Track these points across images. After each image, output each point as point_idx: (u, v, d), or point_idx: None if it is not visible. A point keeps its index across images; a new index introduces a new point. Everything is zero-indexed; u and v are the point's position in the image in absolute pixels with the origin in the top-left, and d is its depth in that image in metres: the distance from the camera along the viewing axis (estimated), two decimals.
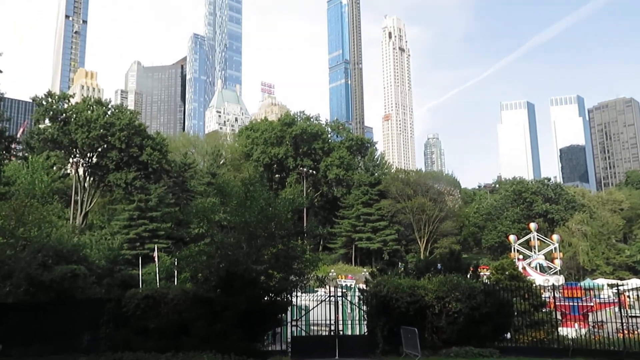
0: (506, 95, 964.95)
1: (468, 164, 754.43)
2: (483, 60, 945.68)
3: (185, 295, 20.56)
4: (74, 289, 23.14)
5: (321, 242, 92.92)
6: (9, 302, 22.44)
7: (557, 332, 21.46)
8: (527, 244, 66.99)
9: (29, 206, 26.95)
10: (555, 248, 64.39)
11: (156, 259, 47.42)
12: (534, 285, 24.18)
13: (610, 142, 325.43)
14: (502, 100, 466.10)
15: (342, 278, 61.11)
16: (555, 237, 66.40)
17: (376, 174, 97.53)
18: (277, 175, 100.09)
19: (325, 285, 24.41)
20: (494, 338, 20.89)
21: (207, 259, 22.34)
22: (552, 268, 62.58)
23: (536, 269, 59.53)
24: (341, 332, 21.87)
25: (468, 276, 25.15)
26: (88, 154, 76.30)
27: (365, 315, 22.40)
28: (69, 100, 78.43)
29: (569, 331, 23.35)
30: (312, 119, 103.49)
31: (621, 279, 64.72)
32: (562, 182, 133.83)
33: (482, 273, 35.76)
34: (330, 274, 60.10)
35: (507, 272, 23.99)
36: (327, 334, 22.14)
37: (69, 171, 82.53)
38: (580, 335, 21.79)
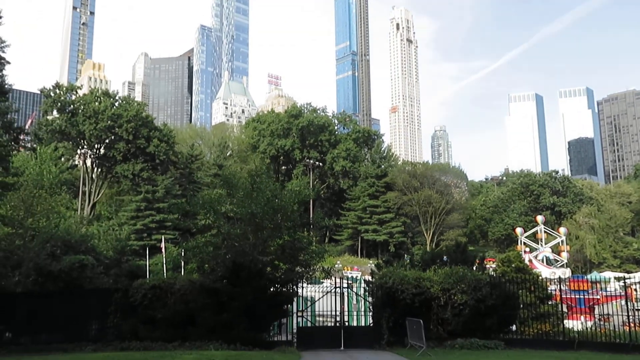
0: (514, 87, 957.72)
1: (475, 156, 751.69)
2: (491, 52, 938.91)
3: (192, 285, 20.72)
4: (82, 279, 23.40)
5: (327, 234, 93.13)
6: (18, 291, 22.72)
7: (563, 325, 21.46)
8: (534, 237, 66.84)
9: (37, 197, 27.18)
10: (562, 241, 64.22)
11: (163, 250, 47.62)
12: (540, 277, 24.10)
13: (620, 134, 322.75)
14: (511, 92, 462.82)
15: (347, 270, 61.24)
16: (562, 230, 66.22)
17: (383, 166, 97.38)
18: (283, 167, 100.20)
19: (331, 276, 24.52)
20: (499, 330, 20.93)
21: (213, 250, 22.50)
22: (558, 261, 62.44)
23: (543, 261, 59.45)
24: (347, 323, 21.98)
25: (474, 268, 25.19)
26: (96, 146, 76.62)
27: (370, 307, 22.50)
28: (76, 92, 78.66)
29: (574, 324, 23.36)
30: (318, 111, 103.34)
31: (628, 272, 64.50)
32: (570, 175, 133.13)
33: (488, 265, 35.77)
34: (336, 265, 60.23)
35: (513, 265, 23.92)
36: (332, 325, 22.26)
37: (76, 162, 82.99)
38: (586, 328, 21.76)
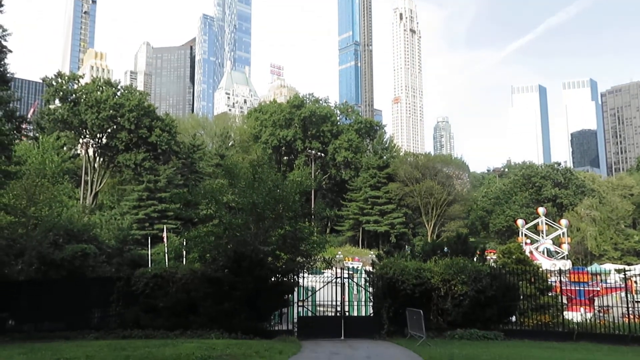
0: (518, 78, 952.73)
1: (478, 147, 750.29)
2: (495, 43, 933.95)
3: (193, 275, 20.84)
4: (84, 268, 23.55)
5: (329, 225, 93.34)
6: (21, 279, 22.87)
7: (563, 316, 21.56)
8: (535, 229, 66.85)
9: (39, 186, 27.24)
10: (563, 233, 64.21)
11: (165, 239, 47.83)
12: (541, 269, 24.17)
13: (623, 126, 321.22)
14: (514, 83, 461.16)
15: (349, 260, 61.43)
16: (563, 221, 66.17)
17: (385, 157, 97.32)
18: (285, 158, 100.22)
19: (332, 267, 24.60)
20: (499, 321, 21.04)
21: (215, 240, 22.60)
22: (559, 253, 62.49)
23: (543, 253, 59.50)
24: (347, 313, 22.08)
25: (475, 260, 25.21)
26: (98, 135, 76.69)
27: (371, 297, 22.61)
28: (78, 81, 78.61)
29: (574, 315, 23.45)
30: (321, 101, 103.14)
31: (629, 264, 64.50)
32: (572, 167, 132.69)
33: (488, 257, 35.83)
34: (337, 256, 60.36)
35: (514, 256, 23.97)
36: (333, 314, 22.39)
37: (79, 152, 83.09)
38: (586, 320, 21.86)
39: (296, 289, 21.74)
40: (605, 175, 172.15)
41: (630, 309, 20.83)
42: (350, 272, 25.20)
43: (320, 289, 22.69)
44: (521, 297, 21.68)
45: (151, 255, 43.76)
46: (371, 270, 23.38)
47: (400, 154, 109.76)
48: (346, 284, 22.35)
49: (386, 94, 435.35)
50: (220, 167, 61.72)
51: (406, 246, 67.70)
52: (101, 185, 78.96)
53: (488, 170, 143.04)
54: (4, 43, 25.21)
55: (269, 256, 21.76)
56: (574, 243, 74.79)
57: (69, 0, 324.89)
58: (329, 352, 16.71)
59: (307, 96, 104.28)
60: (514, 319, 21.94)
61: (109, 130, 75.70)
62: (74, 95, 75.17)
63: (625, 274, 26.59)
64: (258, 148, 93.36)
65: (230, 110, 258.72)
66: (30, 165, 56.77)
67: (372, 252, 71.91)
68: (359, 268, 40.88)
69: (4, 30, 24.85)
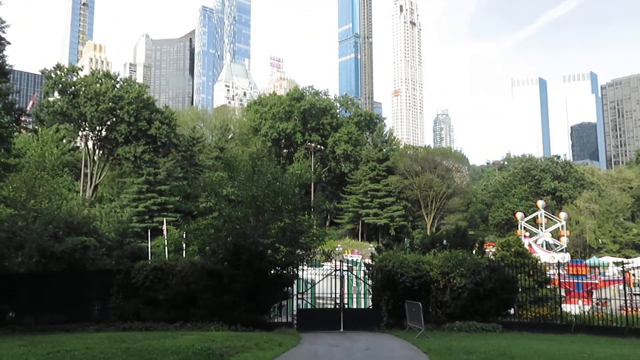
0: (518, 70, 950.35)
1: (477, 140, 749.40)
2: (495, 36, 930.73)
3: (193, 267, 20.90)
4: (84, 260, 23.61)
5: (328, 217, 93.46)
6: (21, 272, 22.92)
7: (561, 309, 21.65)
8: (534, 222, 66.99)
9: (39, 178, 27.24)
10: (562, 226, 64.36)
11: (165, 232, 47.86)
12: (539, 262, 24.24)
13: (623, 119, 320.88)
14: (514, 77, 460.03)
15: (348, 253, 61.58)
16: (562, 214, 66.32)
17: (384, 150, 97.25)
18: (285, 150, 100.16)
19: (332, 259, 24.67)
20: (497, 313, 21.13)
21: (215, 232, 22.65)
22: (558, 245, 62.68)
23: (542, 246, 59.71)
24: (346, 306, 22.17)
25: (473, 252, 25.30)
26: (97, 127, 76.54)
27: (370, 290, 22.68)
28: (77, 73, 78.27)
29: (572, 308, 23.53)
30: (320, 94, 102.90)
31: (627, 257, 64.66)
32: (572, 160, 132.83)
33: (487, 249, 35.95)
34: (337, 248, 60.46)
35: (512, 249, 24.03)
36: (332, 307, 22.47)
37: (78, 144, 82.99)
38: (584, 312, 21.96)
39: (295, 282, 21.81)
40: (605, 169, 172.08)
41: (628, 301, 20.90)
42: (349, 265, 25.31)
43: (319, 281, 22.77)
44: (520, 289, 21.78)
45: (151, 248, 43.81)
46: (370, 262, 23.44)
47: (400, 146, 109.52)
48: (345, 277, 22.42)
49: (386, 86, 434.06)
50: (219, 159, 61.74)
51: (405, 239, 67.78)
52: (101, 178, 78.94)
53: (487, 163, 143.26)
54: (2, 35, 25.14)
55: (269, 249, 21.83)
56: (572, 236, 74.95)
57: None
58: (328, 344, 16.80)
59: (307, 89, 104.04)
60: (512, 311, 22.04)
61: (109, 122, 75.53)
62: (73, 87, 74.90)
63: (623, 267, 26.68)
64: (258, 141, 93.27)
65: (229, 102, 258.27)
66: (29, 158, 56.79)
67: (371, 245, 72.06)
68: (359, 261, 41.01)
69: (3, 22, 24.77)
